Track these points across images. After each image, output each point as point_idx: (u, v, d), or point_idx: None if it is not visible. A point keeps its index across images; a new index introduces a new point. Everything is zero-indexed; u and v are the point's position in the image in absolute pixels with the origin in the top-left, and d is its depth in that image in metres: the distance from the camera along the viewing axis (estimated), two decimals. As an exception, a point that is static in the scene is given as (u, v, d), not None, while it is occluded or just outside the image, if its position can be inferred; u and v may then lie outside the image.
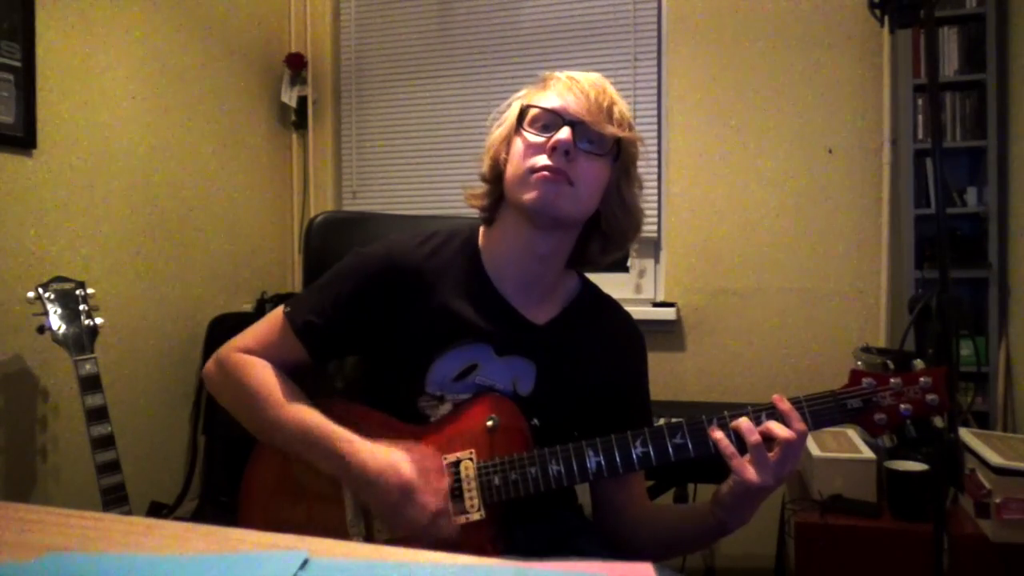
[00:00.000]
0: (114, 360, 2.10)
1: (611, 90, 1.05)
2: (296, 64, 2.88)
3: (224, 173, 2.62)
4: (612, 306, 1.19)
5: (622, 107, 1.05)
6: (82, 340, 1.74)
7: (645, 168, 1.15)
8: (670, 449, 0.97)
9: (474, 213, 1.14)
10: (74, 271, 1.92)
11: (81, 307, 1.76)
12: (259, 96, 2.82)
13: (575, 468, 0.97)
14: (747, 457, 0.93)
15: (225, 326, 2.43)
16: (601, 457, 0.97)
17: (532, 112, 1.04)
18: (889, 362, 1.53)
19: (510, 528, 1.01)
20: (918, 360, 0.98)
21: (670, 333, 2.53)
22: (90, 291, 1.80)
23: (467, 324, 1.06)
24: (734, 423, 0.94)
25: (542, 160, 1.00)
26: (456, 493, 0.99)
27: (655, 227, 2.61)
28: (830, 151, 2.43)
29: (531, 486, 0.98)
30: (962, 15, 2.23)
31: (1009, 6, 2.19)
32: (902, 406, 0.95)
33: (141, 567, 0.54)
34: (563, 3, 2.70)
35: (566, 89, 1.03)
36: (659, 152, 2.59)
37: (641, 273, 2.67)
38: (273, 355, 1.09)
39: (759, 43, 2.48)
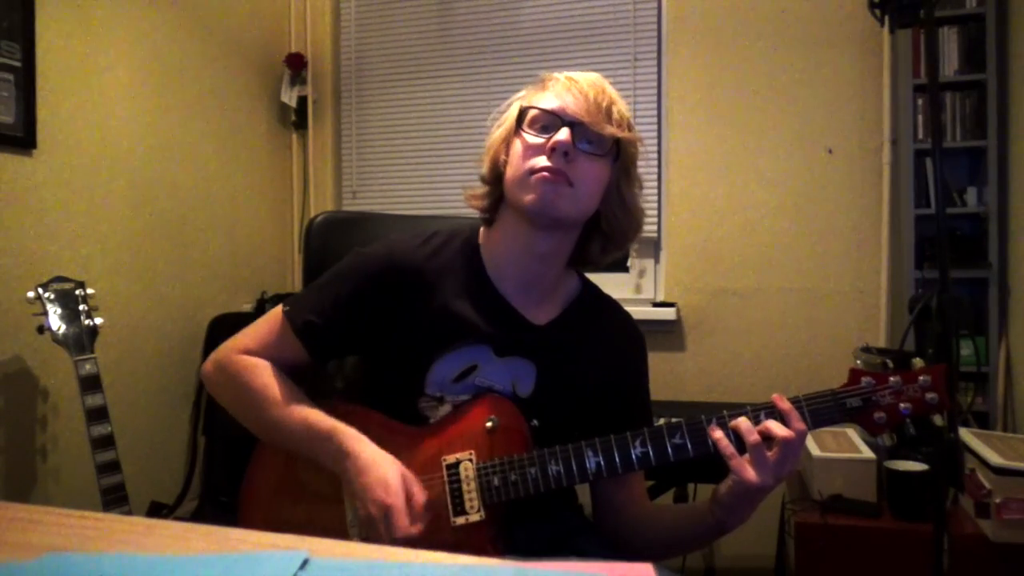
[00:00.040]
0: (114, 360, 2.10)
1: (610, 90, 1.05)
2: (296, 64, 2.88)
3: (224, 173, 2.62)
4: (612, 306, 1.19)
5: (621, 107, 1.05)
6: (82, 340, 1.74)
7: (645, 168, 1.15)
8: (669, 449, 0.97)
9: (474, 213, 1.14)
10: (74, 271, 1.92)
11: (81, 307, 1.76)
12: (259, 96, 2.82)
13: (574, 468, 0.97)
14: (746, 457, 0.92)
15: (225, 326, 2.43)
16: (600, 457, 0.97)
17: (531, 113, 1.04)
18: (889, 361, 1.53)
19: (510, 528, 1.01)
20: (917, 359, 0.98)
21: (670, 333, 2.53)
22: (90, 291, 1.80)
23: (467, 325, 1.06)
24: (733, 423, 0.94)
25: (541, 161, 1.00)
26: (456, 494, 0.99)
27: (655, 227, 2.61)
28: (830, 151, 2.43)
29: (531, 486, 0.98)
30: (962, 15, 2.23)
31: (1009, 6, 2.19)
32: (901, 405, 0.95)
33: (141, 567, 0.54)
34: (563, 3, 2.70)
35: (565, 90, 1.03)
36: (659, 152, 2.59)
37: (641, 273, 2.67)
38: (272, 355, 1.09)
39: (759, 43, 2.48)
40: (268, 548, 0.59)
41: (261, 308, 2.62)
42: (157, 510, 2.20)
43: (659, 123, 2.60)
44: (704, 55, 2.53)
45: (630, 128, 1.06)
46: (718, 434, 0.94)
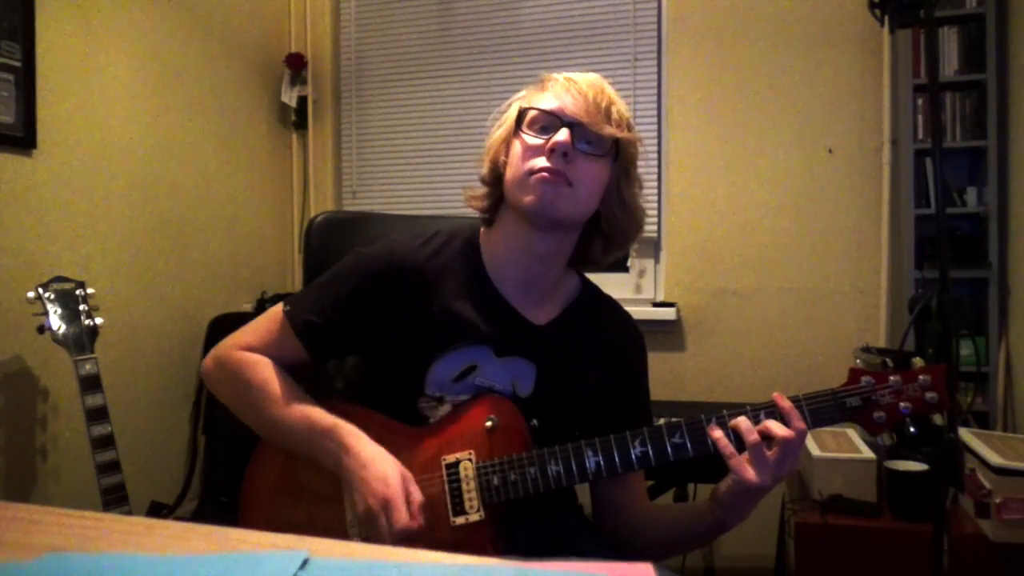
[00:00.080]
0: (114, 360, 2.10)
1: (609, 90, 1.05)
2: (296, 64, 2.88)
3: (224, 173, 2.62)
4: (612, 306, 1.19)
5: (620, 107, 1.05)
6: (82, 340, 1.74)
7: (645, 168, 1.15)
8: (669, 449, 0.97)
9: (474, 213, 1.14)
10: (74, 271, 1.92)
11: (81, 307, 1.76)
12: (259, 96, 2.82)
13: (574, 468, 0.98)
14: (745, 456, 0.93)
15: (225, 326, 2.43)
16: (600, 457, 0.97)
17: (530, 114, 1.04)
18: (889, 361, 1.53)
19: (510, 528, 1.01)
20: (917, 358, 0.98)
21: (670, 333, 2.53)
22: (90, 291, 1.80)
23: (467, 325, 1.06)
24: (733, 422, 0.94)
25: (541, 162, 1.00)
26: (455, 494, 0.99)
27: (655, 227, 2.61)
28: (830, 151, 2.43)
29: (530, 486, 0.98)
30: (962, 15, 2.23)
31: (1009, 6, 2.19)
32: (901, 404, 0.95)
33: (141, 567, 0.54)
34: (563, 3, 2.70)
35: (564, 90, 1.03)
36: (659, 152, 2.59)
37: (641, 273, 2.67)
38: (272, 353, 1.09)
39: (759, 43, 2.48)
40: (268, 548, 0.59)
41: (261, 308, 2.62)
42: (157, 510, 2.20)
43: (659, 123, 2.60)
44: (704, 55, 2.53)
45: (629, 128, 1.06)
46: (718, 433, 0.94)
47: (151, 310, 2.29)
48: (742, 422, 0.93)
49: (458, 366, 1.05)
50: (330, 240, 1.41)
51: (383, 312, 1.07)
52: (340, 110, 2.98)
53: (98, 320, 1.78)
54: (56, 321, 1.72)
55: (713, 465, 0.96)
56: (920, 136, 2.27)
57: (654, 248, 2.64)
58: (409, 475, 0.96)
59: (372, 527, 0.93)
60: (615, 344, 1.15)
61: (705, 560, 2.40)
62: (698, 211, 2.55)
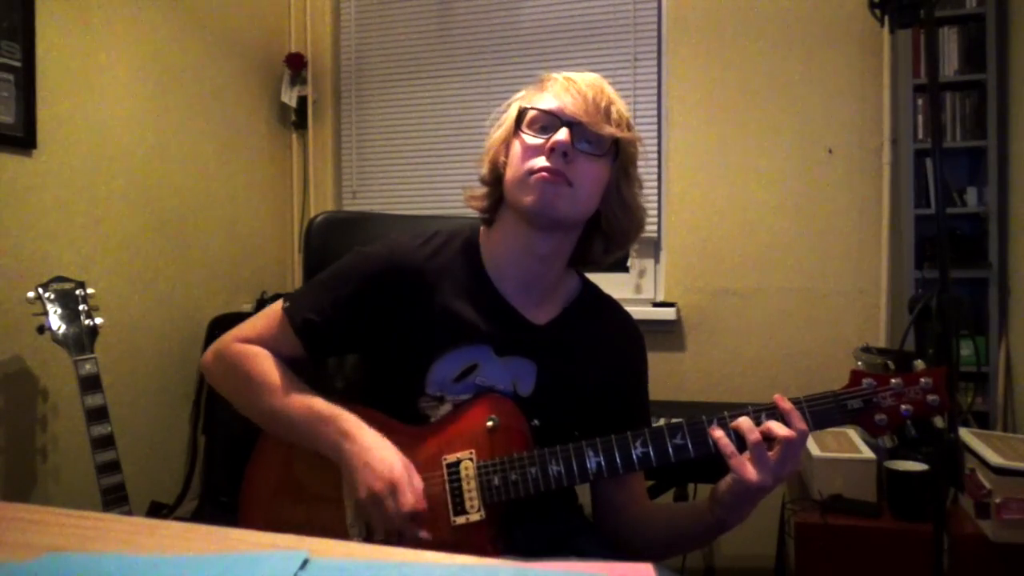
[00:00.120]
0: (114, 360, 2.10)
1: (609, 90, 1.05)
2: (296, 64, 2.88)
3: (224, 173, 2.62)
4: (612, 306, 1.19)
5: (620, 107, 1.05)
6: (82, 340, 1.74)
7: (645, 168, 1.15)
8: (670, 449, 0.97)
9: (474, 213, 1.14)
10: (74, 271, 1.92)
11: (81, 307, 1.76)
12: (259, 96, 2.82)
13: (575, 468, 0.97)
14: (746, 456, 0.92)
15: (225, 326, 2.39)
16: (601, 457, 0.97)
17: (530, 114, 1.04)
18: (890, 362, 1.53)
19: (510, 528, 1.01)
20: (918, 361, 0.98)
21: (670, 333, 2.53)
22: (90, 291, 1.80)
23: (467, 325, 1.06)
24: (734, 423, 0.94)
25: (540, 162, 1.00)
26: (456, 493, 0.99)
27: (655, 227, 2.61)
28: (830, 151, 2.43)
29: (531, 486, 0.98)
30: (962, 15, 2.23)
31: (1009, 6, 2.19)
32: (903, 407, 0.95)
33: (141, 567, 0.54)
34: (563, 3, 2.70)
35: (563, 90, 1.03)
36: (659, 152, 2.59)
37: (641, 273, 2.67)
38: (271, 349, 1.10)
39: (759, 43, 2.48)
40: (268, 548, 0.59)
41: (261, 308, 2.60)
42: (157, 510, 2.20)
43: (659, 123, 2.60)
44: (704, 55, 2.53)
45: (629, 128, 1.06)
46: (719, 433, 0.94)
47: (151, 310, 2.29)
48: (743, 422, 0.93)
49: (459, 366, 1.05)
50: (330, 240, 1.41)
51: (383, 312, 1.07)
52: (340, 110, 2.98)
53: (98, 320, 1.78)
54: (56, 321, 1.72)
55: (713, 465, 0.96)
56: (920, 136, 2.27)
57: (654, 248, 2.64)
58: (409, 463, 0.96)
59: (377, 511, 0.93)
60: (615, 344, 1.15)
61: (705, 560, 2.40)
62: (698, 211, 2.55)
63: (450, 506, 0.98)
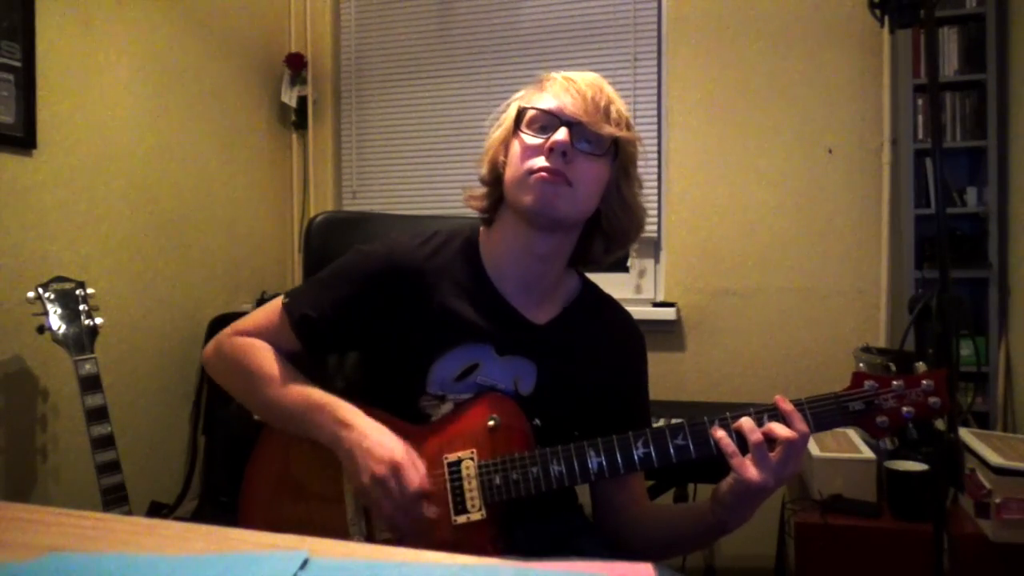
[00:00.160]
0: (114, 360, 2.10)
1: (608, 89, 1.05)
2: (296, 64, 2.88)
3: (224, 173, 2.62)
4: (613, 306, 1.19)
5: (619, 106, 1.05)
6: (82, 340, 1.74)
7: (645, 168, 1.15)
8: (672, 450, 0.97)
9: (474, 213, 1.14)
10: (74, 271, 1.92)
11: (81, 307, 1.77)
12: (259, 96, 2.82)
13: (576, 468, 0.97)
14: (748, 456, 0.92)
15: (225, 326, 2.42)
16: (603, 457, 0.97)
17: (529, 114, 1.04)
18: (891, 364, 1.53)
19: (511, 528, 1.01)
20: (920, 363, 0.98)
21: (670, 333, 2.53)
22: (90, 291, 1.80)
23: (467, 324, 1.06)
24: (736, 423, 0.94)
25: (540, 162, 1.00)
26: (457, 492, 0.99)
27: (655, 227, 2.61)
28: (830, 151, 2.43)
29: (532, 486, 0.98)
30: (962, 15, 2.23)
31: (1009, 6, 2.19)
32: (905, 409, 0.95)
33: (141, 567, 0.54)
34: (563, 3, 2.70)
35: (563, 90, 1.03)
36: (659, 152, 2.59)
37: (641, 273, 2.67)
38: (270, 342, 1.10)
39: (759, 43, 2.48)
40: (268, 548, 0.59)
41: (261, 308, 2.62)
42: (157, 510, 2.20)
43: (659, 123, 2.60)
44: (704, 55, 2.53)
45: (629, 127, 1.06)
46: (720, 433, 0.94)
47: (151, 310, 2.29)
48: (745, 422, 0.93)
49: (460, 364, 1.05)
50: (330, 240, 1.41)
51: (382, 311, 1.07)
52: (340, 110, 2.98)
53: (98, 320, 1.78)
54: (56, 321, 1.72)
55: (713, 465, 0.96)
56: (920, 136, 2.27)
57: (654, 248, 2.64)
58: (410, 447, 0.97)
59: (381, 494, 0.93)
60: (615, 343, 1.15)
61: (705, 560, 2.40)
62: (698, 211, 2.55)
63: (451, 505, 0.98)
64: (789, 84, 2.46)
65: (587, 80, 1.04)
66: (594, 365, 1.11)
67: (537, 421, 1.05)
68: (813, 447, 1.75)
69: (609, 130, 1.02)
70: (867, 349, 1.99)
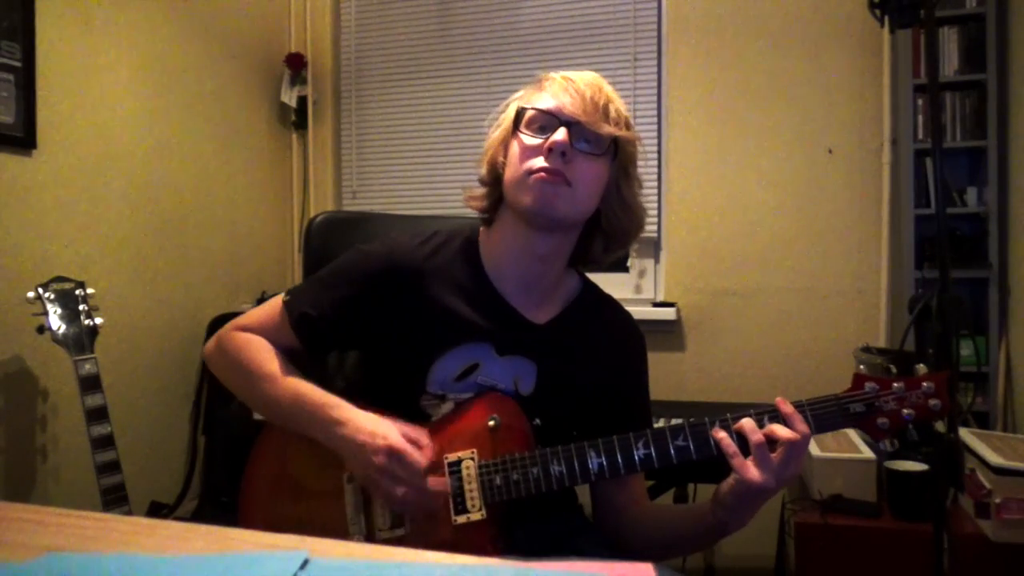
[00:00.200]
0: (114, 360, 2.10)
1: (607, 89, 1.05)
2: (296, 64, 2.88)
3: (224, 173, 2.62)
4: (613, 306, 1.19)
5: (619, 105, 1.05)
6: (82, 340, 1.74)
7: (645, 168, 1.15)
8: (672, 451, 0.97)
9: (474, 213, 1.14)
10: (74, 271, 1.92)
11: (81, 307, 1.77)
12: (259, 96, 2.82)
13: (577, 469, 0.97)
14: (750, 457, 0.92)
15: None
16: (603, 458, 0.97)
17: (528, 114, 1.04)
18: (892, 366, 1.53)
19: (511, 528, 1.01)
20: (920, 364, 0.98)
21: (670, 333, 2.53)
22: (90, 291, 1.80)
23: (467, 324, 1.06)
24: (737, 424, 0.94)
25: (539, 162, 1.00)
26: (457, 492, 0.99)
27: (655, 227, 2.61)
28: (830, 151, 2.43)
29: (532, 486, 0.98)
30: (962, 15, 2.23)
31: (1009, 6, 2.19)
32: (905, 411, 0.95)
33: (141, 567, 0.54)
34: (563, 3, 2.70)
35: (561, 89, 1.03)
36: (659, 152, 2.59)
37: (641, 273, 2.67)
38: (270, 340, 1.10)
39: (759, 43, 2.48)
40: (268, 548, 0.59)
41: (261, 308, 2.62)
42: (157, 510, 2.20)
43: (659, 123, 2.60)
44: (704, 55, 2.53)
45: (628, 127, 1.06)
46: (721, 434, 0.94)
47: (151, 310, 2.29)
48: (746, 423, 0.93)
49: (460, 364, 1.05)
50: (330, 240, 1.41)
51: (382, 311, 1.07)
52: (340, 110, 2.98)
53: (98, 320, 1.78)
54: (56, 321, 1.72)
55: (714, 466, 0.96)
56: (920, 136, 2.27)
57: (654, 248, 2.64)
58: (403, 425, 0.96)
59: (390, 484, 0.93)
60: (616, 344, 1.15)
61: (705, 560, 2.39)
62: (698, 211, 2.55)
63: (451, 505, 0.98)
64: (789, 84, 2.46)
65: (586, 80, 1.04)
66: (594, 365, 1.11)
67: (537, 421, 1.05)
68: (813, 447, 1.75)
69: (608, 129, 1.01)
70: (867, 349, 1.99)
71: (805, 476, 1.80)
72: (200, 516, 2.35)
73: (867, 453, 1.70)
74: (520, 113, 1.05)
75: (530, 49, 2.73)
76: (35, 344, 1.83)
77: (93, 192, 2.09)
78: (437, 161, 2.84)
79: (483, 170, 1.10)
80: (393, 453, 0.92)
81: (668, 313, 2.48)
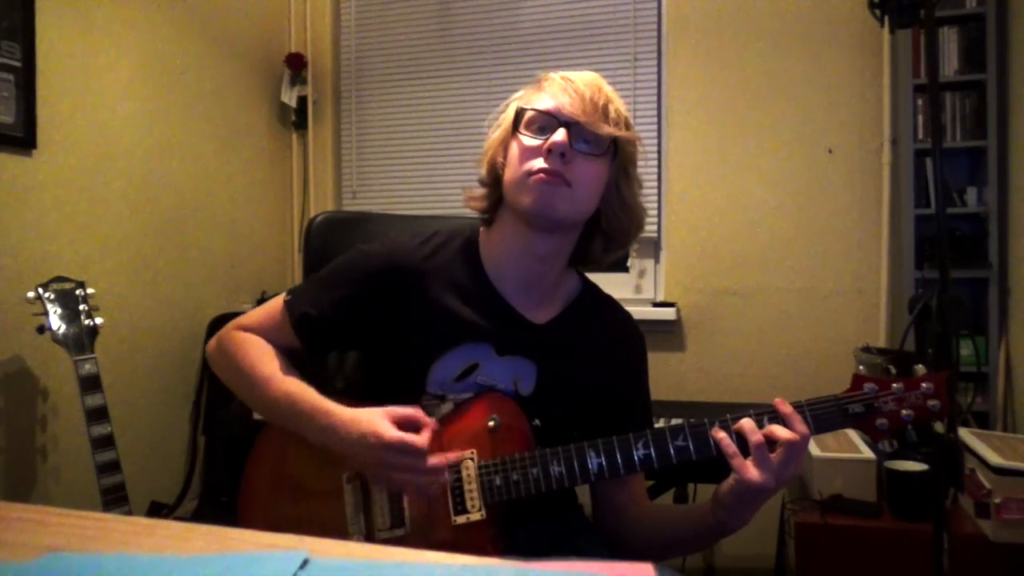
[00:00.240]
0: (114, 360, 2.10)
1: (607, 88, 1.05)
2: (296, 64, 2.88)
3: (224, 173, 2.62)
4: (613, 306, 1.19)
5: (618, 105, 1.04)
6: (82, 340, 1.74)
7: (645, 168, 1.15)
8: (672, 451, 0.97)
9: (474, 213, 1.14)
10: (74, 271, 1.92)
11: (81, 307, 1.76)
12: (259, 96, 2.82)
13: (576, 469, 0.97)
14: (749, 457, 0.92)
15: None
16: (603, 458, 0.97)
17: (527, 114, 1.04)
18: (891, 367, 1.53)
19: (511, 528, 1.01)
20: (919, 365, 0.98)
21: (670, 333, 2.53)
22: (90, 291, 1.80)
23: (467, 324, 1.06)
24: (736, 424, 0.94)
25: (539, 163, 1.00)
26: (457, 493, 0.99)
27: (655, 227, 2.61)
28: (830, 151, 2.43)
29: (532, 486, 0.98)
30: (962, 15, 2.23)
31: (1009, 6, 2.19)
32: (904, 411, 0.95)
33: (141, 567, 0.54)
34: (563, 3, 2.70)
35: (561, 90, 1.03)
36: (659, 152, 2.59)
37: (641, 273, 2.67)
38: (270, 340, 1.11)
39: (759, 43, 2.48)
40: (268, 548, 0.59)
41: (261, 308, 2.62)
42: (157, 510, 2.20)
43: (659, 123, 2.60)
44: (704, 55, 2.53)
45: (628, 127, 1.06)
46: (721, 434, 0.94)
47: (151, 310, 2.29)
48: (746, 423, 0.93)
49: (460, 364, 1.05)
50: (330, 240, 1.41)
51: (381, 310, 1.07)
52: (340, 110, 2.98)
53: (98, 320, 1.78)
54: (56, 321, 1.72)
55: (714, 465, 0.96)
56: (920, 136, 2.27)
57: (654, 248, 2.64)
58: (393, 410, 0.96)
59: (401, 478, 0.93)
60: (616, 344, 1.15)
61: (705, 560, 2.40)
62: (698, 211, 2.55)
63: (451, 505, 0.98)
64: (789, 84, 2.46)
65: (585, 80, 1.04)
66: (594, 365, 1.11)
67: (537, 421, 1.05)
68: (813, 447, 1.75)
69: (608, 130, 1.01)
70: (867, 349, 1.99)
71: (805, 476, 1.80)
72: (200, 516, 2.35)
73: (867, 453, 1.70)
74: (519, 114, 1.05)
75: (530, 49, 2.73)
76: (35, 344, 1.83)
77: (93, 192, 2.09)
78: (437, 161, 2.84)
79: (483, 171, 1.10)
80: (391, 448, 0.92)
81: (668, 313, 2.48)
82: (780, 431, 0.92)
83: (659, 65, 2.61)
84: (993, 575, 1.50)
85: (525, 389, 1.07)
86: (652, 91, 2.61)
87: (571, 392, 1.09)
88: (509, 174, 1.04)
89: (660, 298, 2.61)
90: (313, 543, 0.59)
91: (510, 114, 1.07)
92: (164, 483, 2.35)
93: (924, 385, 0.95)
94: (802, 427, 0.92)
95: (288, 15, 2.95)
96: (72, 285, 1.78)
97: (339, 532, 1.00)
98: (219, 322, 2.45)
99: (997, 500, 1.48)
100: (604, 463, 0.97)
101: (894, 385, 0.96)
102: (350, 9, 2.94)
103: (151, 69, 2.30)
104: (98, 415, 1.71)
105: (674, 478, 1.88)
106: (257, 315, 1.14)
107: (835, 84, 2.42)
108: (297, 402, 1.01)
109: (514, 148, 1.04)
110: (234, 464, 1.13)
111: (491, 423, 1.01)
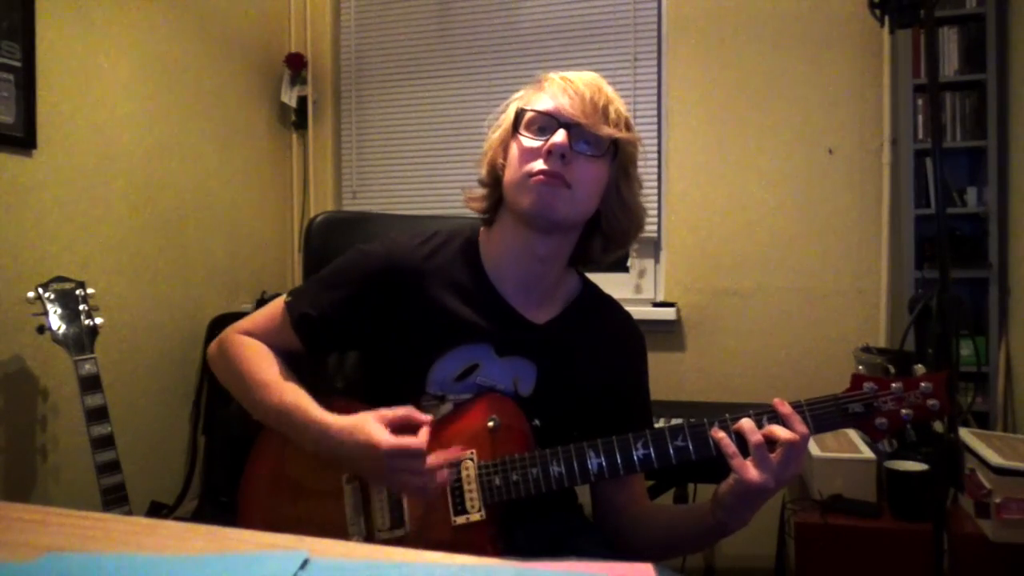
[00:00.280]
0: (114, 360, 2.10)
1: (607, 89, 1.05)
2: (296, 64, 2.88)
3: (224, 173, 2.62)
4: (612, 306, 1.19)
5: (618, 106, 1.04)
6: (82, 340, 1.74)
7: (645, 168, 1.15)
8: (671, 451, 0.97)
9: (474, 213, 1.14)
10: (74, 271, 1.92)
11: (81, 307, 1.77)
12: (259, 96, 2.82)
13: (576, 469, 0.97)
14: (749, 458, 0.92)
15: (225, 326, 2.42)
16: (602, 458, 0.97)
17: (527, 115, 1.04)
18: (891, 367, 1.53)
19: (510, 528, 1.01)
20: (919, 365, 0.98)
21: (670, 333, 2.53)
22: (90, 291, 1.80)
23: (467, 324, 1.06)
24: (736, 424, 0.94)
25: (538, 164, 1.00)
26: (457, 493, 0.99)
27: (655, 227, 2.61)
28: (830, 151, 2.43)
29: (532, 487, 0.98)
30: (962, 15, 2.23)
31: (1009, 6, 2.18)
32: (903, 411, 0.95)
33: (141, 567, 0.54)
34: (563, 3, 2.70)
35: (560, 91, 1.03)
36: (659, 152, 2.59)
37: (641, 273, 2.67)
38: (271, 341, 1.10)
39: (759, 43, 2.48)
40: (268, 548, 0.59)
41: (261, 308, 2.62)
42: (157, 510, 2.20)
43: (659, 123, 2.60)
44: (704, 55, 2.53)
45: (628, 127, 1.05)
46: (720, 434, 0.94)
47: (151, 310, 2.29)
48: (745, 423, 0.93)
49: (460, 365, 1.05)
50: (330, 240, 1.41)
51: (381, 311, 1.07)
52: (340, 110, 2.98)
53: (98, 320, 1.78)
54: (56, 321, 1.72)
55: (713, 465, 0.96)
56: (920, 136, 2.27)
57: (654, 248, 2.64)
58: (379, 412, 0.95)
59: (405, 483, 0.94)
60: (615, 344, 1.15)
61: (705, 560, 2.40)
62: (698, 211, 2.55)
63: (451, 505, 0.98)
64: (789, 84, 2.46)
65: (585, 80, 1.04)
66: (594, 365, 1.11)
67: (537, 422, 1.05)
68: (813, 447, 1.75)
69: (608, 131, 1.01)
70: (867, 349, 1.99)
71: (805, 476, 1.80)
72: (200, 516, 2.35)
73: (867, 453, 1.70)
74: (519, 114, 1.05)
75: (530, 49, 2.73)
76: (35, 344, 1.83)
77: (93, 192, 2.09)
78: (437, 161, 2.84)
79: (483, 171, 1.10)
80: (387, 455, 0.92)
81: (668, 313, 2.48)
82: (780, 431, 0.92)
83: (659, 65, 2.61)
84: (993, 575, 1.50)
85: (525, 389, 1.07)
86: (652, 91, 2.61)
87: (571, 392, 1.09)
88: (509, 175, 1.04)
89: (660, 298, 2.61)
90: (313, 543, 0.59)
91: (510, 115, 1.07)
92: (164, 483, 2.35)
93: (923, 385, 0.95)
94: (802, 427, 0.92)
95: (288, 15, 2.95)
96: (72, 285, 1.78)
97: (339, 532, 1.00)
98: (219, 322, 2.46)
99: (997, 500, 1.48)
100: (604, 463, 0.97)
101: (893, 385, 0.96)
102: (350, 9, 2.94)
103: (151, 69, 2.30)
104: (98, 415, 1.71)
105: (674, 478, 1.88)
106: (258, 317, 1.14)
107: (835, 84, 2.42)
108: (292, 413, 1.00)
109: (514, 149, 1.04)
110: (234, 464, 1.13)
111: (491, 423, 1.01)
